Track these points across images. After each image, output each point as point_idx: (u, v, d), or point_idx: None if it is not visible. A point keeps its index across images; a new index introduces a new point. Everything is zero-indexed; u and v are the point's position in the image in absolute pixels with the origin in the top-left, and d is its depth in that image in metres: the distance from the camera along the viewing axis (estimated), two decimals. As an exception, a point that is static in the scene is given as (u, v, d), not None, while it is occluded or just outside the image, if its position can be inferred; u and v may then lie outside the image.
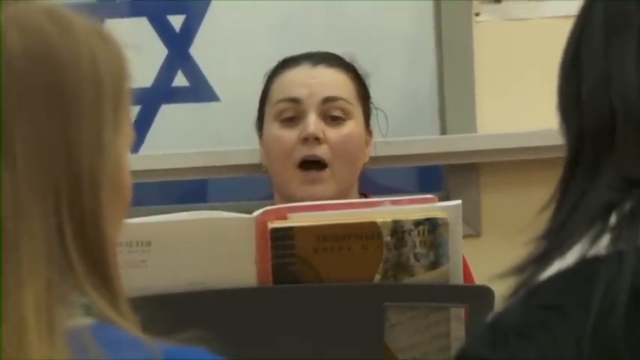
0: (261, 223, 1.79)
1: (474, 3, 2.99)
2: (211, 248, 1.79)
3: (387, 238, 1.80)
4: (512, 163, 2.93)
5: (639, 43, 1.31)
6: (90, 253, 1.19)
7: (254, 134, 2.67)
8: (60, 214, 1.17)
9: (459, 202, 1.89)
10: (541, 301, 1.27)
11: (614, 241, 1.25)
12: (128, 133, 1.27)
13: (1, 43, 1.19)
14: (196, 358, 1.20)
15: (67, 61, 1.20)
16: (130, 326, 1.19)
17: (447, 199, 2.87)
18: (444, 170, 3.06)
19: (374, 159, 2.66)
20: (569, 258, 1.27)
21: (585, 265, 1.26)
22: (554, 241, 1.31)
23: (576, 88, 1.34)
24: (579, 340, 1.21)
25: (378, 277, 1.81)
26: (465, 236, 2.73)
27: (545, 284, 1.28)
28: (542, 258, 1.30)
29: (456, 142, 2.98)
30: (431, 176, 3.12)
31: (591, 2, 1.37)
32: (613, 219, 1.26)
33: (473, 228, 2.97)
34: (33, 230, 1.16)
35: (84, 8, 3.15)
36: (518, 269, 1.32)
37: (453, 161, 3.01)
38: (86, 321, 1.17)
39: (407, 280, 1.81)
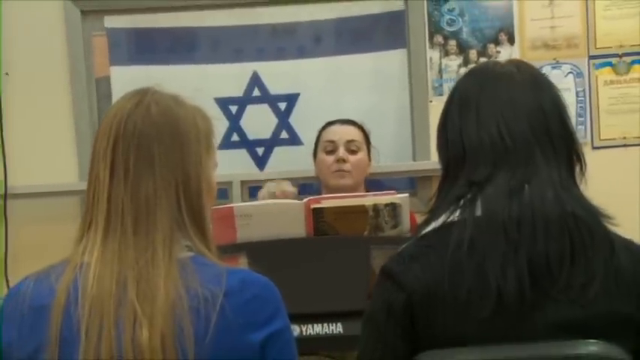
0: (307, 205, 1.75)
1: (429, 95, 2.93)
2: (283, 218, 1.74)
3: (371, 213, 1.76)
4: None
5: (476, 114, 1.28)
6: (195, 218, 1.16)
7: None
8: (179, 198, 1.14)
9: (407, 194, 1.80)
10: (423, 243, 1.26)
11: (461, 213, 1.24)
12: (214, 159, 1.22)
13: (148, 111, 1.17)
14: (244, 274, 1.14)
15: (181, 120, 1.18)
16: (213, 257, 1.15)
17: (415, 194, 2.87)
18: (415, 179, 3.00)
19: (384, 173, 2.64)
20: (439, 221, 1.26)
21: (447, 225, 1.25)
22: (433, 214, 1.29)
23: (445, 139, 1.32)
24: (442, 263, 1.20)
25: (366, 233, 1.77)
26: (422, 212, 2.72)
27: (427, 234, 1.27)
28: (426, 222, 1.29)
29: (420, 165, 2.92)
30: (409, 182, 3.03)
31: (453, 92, 1.33)
32: (461, 202, 1.25)
33: (427, 207, 2.88)
34: (163, 205, 1.13)
35: (230, 100, 3.11)
36: (417, 227, 1.31)
37: (419, 175, 2.96)
38: (188, 254, 1.14)
39: (381, 234, 1.77)
